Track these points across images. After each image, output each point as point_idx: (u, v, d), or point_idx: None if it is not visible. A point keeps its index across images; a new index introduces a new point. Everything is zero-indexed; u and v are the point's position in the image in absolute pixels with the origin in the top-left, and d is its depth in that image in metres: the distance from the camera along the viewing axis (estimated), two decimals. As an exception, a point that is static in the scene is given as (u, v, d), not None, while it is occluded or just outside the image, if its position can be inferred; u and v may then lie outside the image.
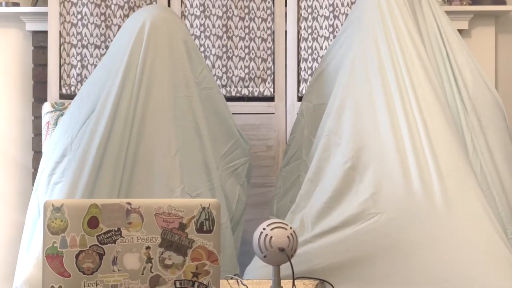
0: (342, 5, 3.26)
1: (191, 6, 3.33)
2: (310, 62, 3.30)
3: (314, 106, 2.71)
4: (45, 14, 3.33)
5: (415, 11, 2.58)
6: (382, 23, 2.49)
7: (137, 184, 2.45)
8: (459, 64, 2.59)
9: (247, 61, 3.33)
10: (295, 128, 2.81)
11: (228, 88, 3.31)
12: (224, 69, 3.32)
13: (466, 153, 2.40)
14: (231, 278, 2.12)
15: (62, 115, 2.73)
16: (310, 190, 2.44)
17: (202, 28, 3.31)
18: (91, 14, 3.28)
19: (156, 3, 3.36)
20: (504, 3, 3.52)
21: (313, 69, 3.28)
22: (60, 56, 3.30)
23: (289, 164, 2.75)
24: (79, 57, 3.29)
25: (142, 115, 2.47)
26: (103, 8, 3.30)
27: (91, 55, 3.29)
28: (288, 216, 2.45)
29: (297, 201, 2.46)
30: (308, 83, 3.28)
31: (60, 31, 3.30)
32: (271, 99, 3.33)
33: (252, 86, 3.32)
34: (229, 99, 3.28)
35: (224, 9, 3.32)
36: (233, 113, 2.75)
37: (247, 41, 3.33)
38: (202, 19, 3.32)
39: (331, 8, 3.28)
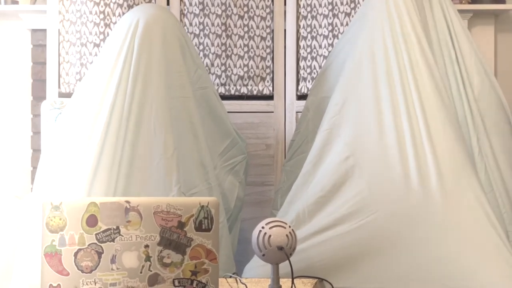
0: (341, 3, 3.26)
1: (190, 4, 3.32)
2: (309, 60, 3.30)
3: (319, 100, 2.72)
4: (44, 12, 3.33)
5: (424, 11, 2.58)
6: (389, 22, 2.50)
7: (133, 184, 2.44)
8: (467, 66, 2.59)
9: (246, 59, 3.32)
10: (300, 124, 2.82)
11: (227, 87, 3.31)
12: (223, 68, 3.31)
13: (467, 152, 2.40)
14: (230, 277, 2.12)
15: (61, 113, 2.73)
16: (307, 181, 2.43)
17: (201, 27, 3.31)
18: (90, 12, 3.28)
19: (154, 2, 3.36)
20: (503, 2, 3.51)
21: (312, 67, 3.28)
22: (59, 54, 3.30)
23: (293, 158, 2.76)
24: (78, 55, 3.28)
25: (137, 115, 2.47)
26: (102, 6, 3.29)
27: (90, 53, 3.28)
28: (284, 207, 2.45)
29: (293, 191, 2.45)
30: (307, 81, 3.28)
31: (59, 29, 3.29)
32: (270, 97, 3.33)
33: (251, 85, 3.32)
34: (228, 97, 3.28)
35: (223, 7, 3.32)
36: (232, 112, 2.75)
37: (246, 40, 3.33)
38: (201, 17, 3.31)
39: (330, 7, 3.27)
